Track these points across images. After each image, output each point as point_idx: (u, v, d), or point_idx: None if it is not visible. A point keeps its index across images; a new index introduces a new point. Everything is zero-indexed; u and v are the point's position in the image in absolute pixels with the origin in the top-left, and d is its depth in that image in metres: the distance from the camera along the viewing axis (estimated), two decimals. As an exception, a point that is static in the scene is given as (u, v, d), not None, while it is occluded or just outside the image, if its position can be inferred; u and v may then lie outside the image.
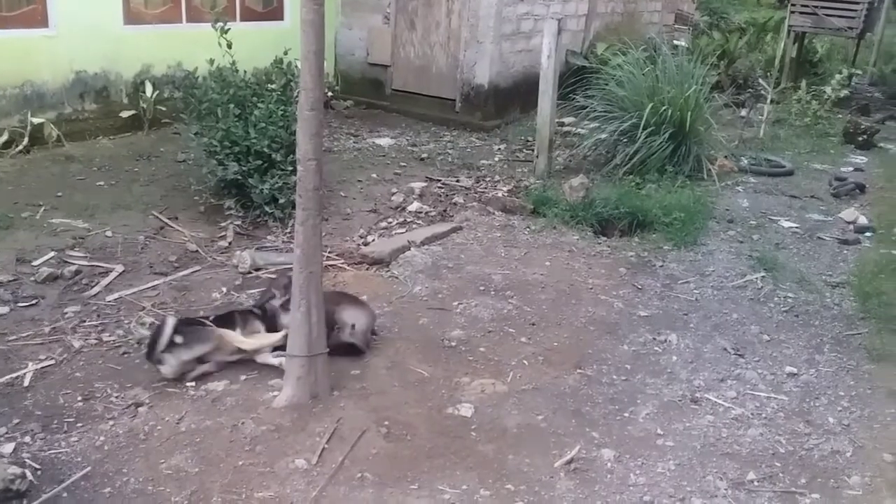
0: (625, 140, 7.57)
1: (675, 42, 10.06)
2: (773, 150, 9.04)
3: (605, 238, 6.30)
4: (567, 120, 8.95)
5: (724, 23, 16.06)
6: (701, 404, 4.11)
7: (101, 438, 3.53)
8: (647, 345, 4.68)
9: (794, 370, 4.45)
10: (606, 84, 7.96)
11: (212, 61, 6.28)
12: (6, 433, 3.54)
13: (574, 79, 8.46)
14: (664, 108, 7.42)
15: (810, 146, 9.48)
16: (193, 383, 3.99)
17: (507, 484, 3.41)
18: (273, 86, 6.32)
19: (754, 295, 5.41)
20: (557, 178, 7.37)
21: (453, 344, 4.57)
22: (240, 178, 6.01)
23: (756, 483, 3.51)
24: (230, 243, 5.80)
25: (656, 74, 7.74)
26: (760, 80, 10.88)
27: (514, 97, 9.62)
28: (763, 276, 5.64)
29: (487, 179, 7.57)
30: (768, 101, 9.55)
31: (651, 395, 4.17)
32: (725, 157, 8.19)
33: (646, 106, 7.36)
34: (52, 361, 4.10)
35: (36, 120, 7.17)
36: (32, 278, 4.95)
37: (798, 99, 10.41)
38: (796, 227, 6.73)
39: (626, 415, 3.98)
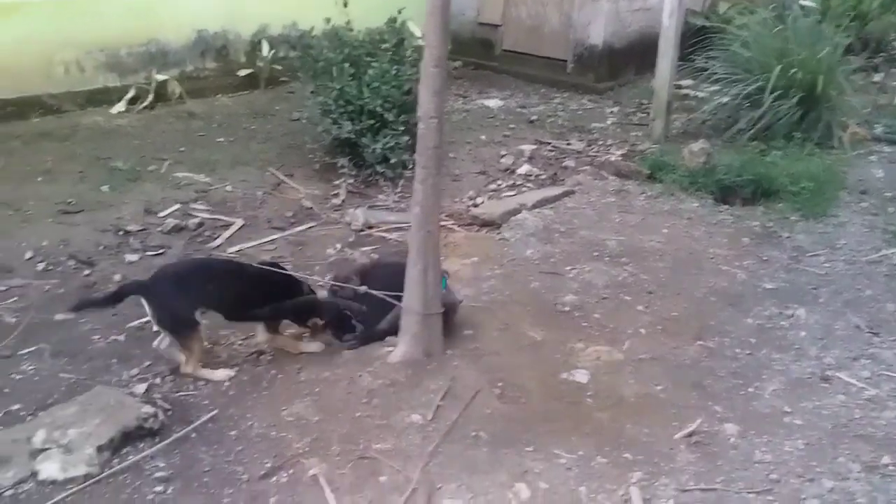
0: (748, 104, 7.17)
1: (802, 2, 9.42)
2: (909, 117, 8.38)
3: (726, 206, 6.01)
4: (685, 83, 8.56)
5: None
6: (832, 383, 3.88)
7: (227, 384, 3.66)
8: (773, 319, 4.45)
9: (936, 352, 4.14)
10: (730, 45, 7.54)
11: (328, 20, 6.33)
12: (139, 374, 3.72)
13: (693, 39, 8.06)
14: (793, 70, 6.97)
15: (951, 114, 8.73)
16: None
17: (624, 453, 3.32)
18: (386, 45, 6.31)
19: (890, 271, 5.05)
20: (674, 143, 7.08)
21: (566, 309, 4.48)
22: (353, 137, 6.06)
23: (892, 468, 3.28)
24: (343, 201, 5.88)
25: (786, 35, 7.27)
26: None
27: (629, 58, 9.28)
28: (900, 251, 5.26)
29: (600, 143, 7.35)
30: (905, 65, 8.84)
31: (777, 371, 3.97)
32: (858, 124, 7.63)
33: (773, 68, 6.93)
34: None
35: (160, 77, 7.43)
36: (159, 229, 5.17)
37: (938, 63, 9.59)
38: (937, 201, 6.24)
39: (751, 390, 3.80)
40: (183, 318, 3.60)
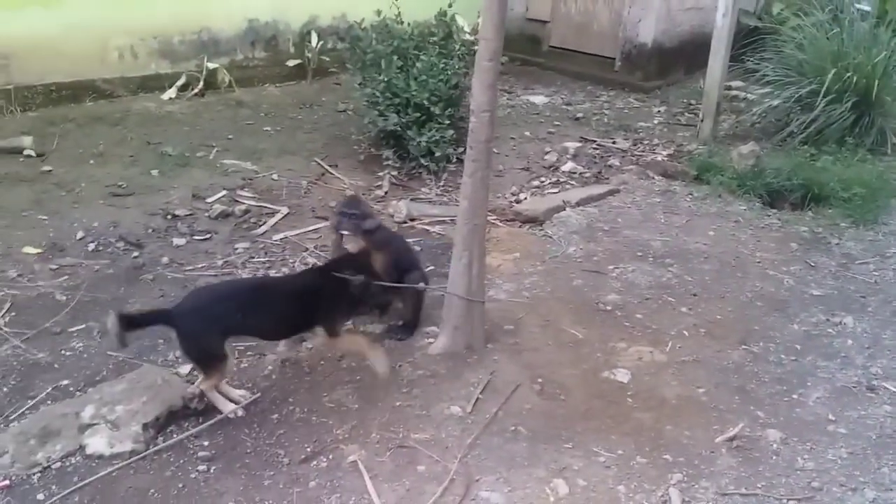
0: (799, 108, 7.04)
1: (858, 5, 9.19)
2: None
3: (774, 210, 5.91)
4: (734, 84, 8.43)
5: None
6: (878, 393, 3.80)
7: (269, 368, 3.71)
8: (820, 326, 4.36)
9: None
10: (783, 47, 7.40)
11: (379, 12, 6.37)
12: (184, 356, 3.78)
13: (745, 40, 7.93)
14: (848, 74, 6.82)
15: None
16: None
17: (664, 454, 3.29)
18: (434, 39, 6.32)
19: (942, 281, 4.93)
20: (722, 145, 6.98)
21: (609, 308, 4.45)
22: (399, 129, 6.08)
23: (937, 481, 3.22)
24: (386, 193, 5.91)
25: (841, 38, 7.11)
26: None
27: (679, 58, 9.16)
28: (954, 262, 5.12)
29: (646, 142, 7.28)
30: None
31: (823, 378, 3.89)
32: (913, 131, 7.45)
33: (828, 71, 6.79)
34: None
35: (211, 65, 7.54)
36: (206, 214, 5.25)
37: None
38: None
39: (795, 396, 3.74)
40: (209, 353, 3.29)
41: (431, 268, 4.74)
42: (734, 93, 8.39)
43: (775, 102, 7.21)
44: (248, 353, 3.81)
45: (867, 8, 8.59)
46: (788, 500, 3.09)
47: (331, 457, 3.17)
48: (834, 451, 3.39)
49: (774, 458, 3.33)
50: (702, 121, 7.21)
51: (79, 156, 5.87)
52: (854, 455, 3.36)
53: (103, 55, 7.03)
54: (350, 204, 4.06)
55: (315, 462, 3.14)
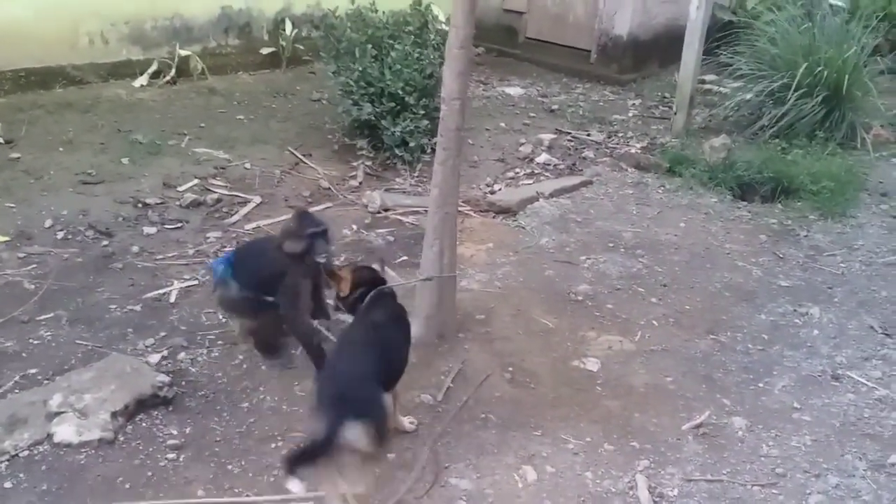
0: (771, 101, 7.11)
1: (831, 1, 9.29)
2: (935, 121, 8.28)
3: (745, 203, 5.98)
4: (708, 77, 8.49)
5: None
6: (842, 382, 3.88)
7: (240, 357, 3.70)
8: (787, 316, 4.44)
9: (950, 356, 4.12)
10: (756, 41, 7.47)
11: (353, 0, 6.33)
12: (154, 344, 3.77)
13: (720, 34, 7.98)
14: (819, 69, 6.90)
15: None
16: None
17: (632, 441, 3.34)
18: (409, 28, 6.30)
19: (907, 273, 5.03)
20: (695, 138, 7.04)
21: (580, 298, 4.49)
22: (373, 119, 6.06)
23: (899, 468, 3.29)
24: (360, 183, 5.89)
25: (814, 32, 7.20)
26: (925, 46, 9.93)
27: (654, 51, 9.20)
28: (919, 255, 5.22)
29: (620, 135, 7.32)
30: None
31: (789, 367, 3.96)
32: (882, 126, 7.55)
33: (800, 66, 6.86)
34: (196, 282, 4.31)
35: (183, 52, 7.44)
36: (178, 203, 5.21)
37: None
38: (959, 206, 6.18)
39: (761, 385, 3.81)
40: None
41: (405, 258, 4.75)
42: (708, 86, 8.45)
43: (748, 96, 7.28)
44: (219, 342, 3.80)
45: (840, 3, 8.68)
46: (753, 485, 3.15)
47: (301, 445, 3.16)
48: (798, 438, 3.46)
49: (739, 445, 3.39)
50: (675, 114, 7.27)
51: (48, 143, 5.79)
52: (818, 442, 3.44)
53: (73, 40, 6.92)
54: (312, 220, 3.57)
55: (286, 451, 3.13)
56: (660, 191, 6.10)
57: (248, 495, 2.92)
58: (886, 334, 4.30)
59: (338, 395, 2.70)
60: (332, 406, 2.66)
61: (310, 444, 2.62)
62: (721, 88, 8.20)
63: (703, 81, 8.33)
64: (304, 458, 2.59)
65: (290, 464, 2.58)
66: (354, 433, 2.59)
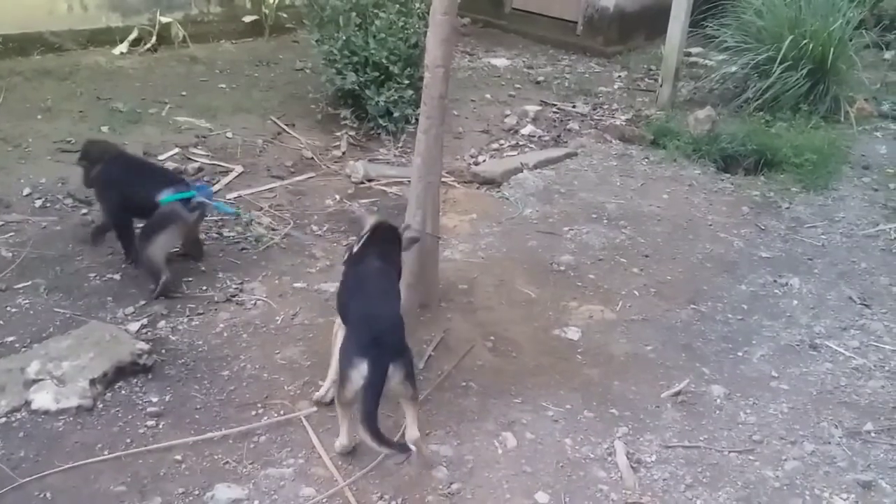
0: (756, 74, 7.11)
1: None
2: (918, 96, 8.31)
3: (728, 175, 6.01)
4: (694, 50, 8.47)
5: (875, -44, 14.69)
6: (820, 351, 3.93)
7: (221, 325, 3.69)
8: (767, 287, 4.47)
9: (926, 325, 4.17)
10: (743, 13, 7.45)
11: (337, -33, 6.22)
12: (133, 313, 3.74)
13: (706, 6, 7.95)
14: (805, 42, 6.89)
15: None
16: (305, 284, 4.09)
17: (611, 408, 3.37)
18: (394, -4, 6.22)
19: (886, 245, 5.07)
20: (680, 110, 7.03)
21: (562, 268, 4.50)
22: (357, 88, 6.00)
23: (873, 434, 3.35)
24: (343, 153, 5.85)
25: (800, 5, 7.18)
26: (910, 20, 9.93)
27: (640, 23, 9.15)
28: (898, 227, 5.27)
29: (605, 107, 7.30)
30: (918, 42, 8.73)
31: (767, 337, 4.00)
32: (865, 99, 7.58)
33: (785, 38, 6.85)
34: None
35: (164, 19, 7.32)
36: (159, 171, 5.14)
37: (952, 43, 9.46)
38: (939, 179, 6.23)
39: (740, 354, 3.85)
40: None
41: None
42: (693, 59, 8.43)
43: (733, 69, 7.28)
44: (199, 310, 3.78)
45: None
46: (730, 451, 3.19)
47: (282, 412, 3.17)
48: (775, 406, 3.50)
49: (717, 412, 3.42)
50: (660, 86, 7.25)
51: (26, 110, 5.69)
52: (795, 410, 3.48)
53: (52, 6, 6.78)
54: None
55: (266, 418, 3.14)
56: (644, 162, 6.10)
57: (227, 462, 2.92)
58: (865, 305, 4.35)
59: (376, 339, 2.77)
60: (374, 350, 2.73)
61: (369, 407, 2.66)
62: (707, 61, 8.19)
63: (689, 54, 8.31)
64: (375, 423, 2.65)
65: (378, 438, 2.65)
66: (399, 375, 2.78)
